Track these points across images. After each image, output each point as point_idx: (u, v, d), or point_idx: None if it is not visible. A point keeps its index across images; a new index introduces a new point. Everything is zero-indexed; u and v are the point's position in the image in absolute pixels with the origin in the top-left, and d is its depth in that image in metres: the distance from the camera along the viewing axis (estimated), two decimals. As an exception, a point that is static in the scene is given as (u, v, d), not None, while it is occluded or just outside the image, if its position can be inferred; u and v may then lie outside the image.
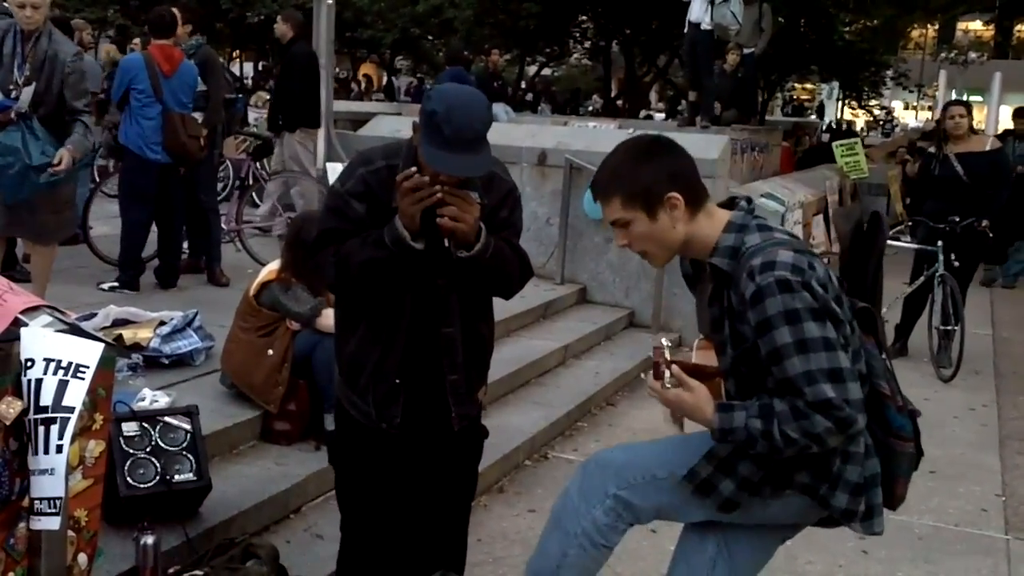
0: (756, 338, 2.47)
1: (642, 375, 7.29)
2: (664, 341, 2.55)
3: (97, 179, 8.82)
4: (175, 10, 7.26)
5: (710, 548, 2.87)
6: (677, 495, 2.73)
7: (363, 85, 28.98)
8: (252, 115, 12.96)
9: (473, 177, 2.76)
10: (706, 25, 11.82)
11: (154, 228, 7.08)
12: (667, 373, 2.55)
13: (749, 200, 2.69)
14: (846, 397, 2.39)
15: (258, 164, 8.50)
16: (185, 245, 7.59)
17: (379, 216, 2.77)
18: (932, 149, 8.99)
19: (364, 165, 2.87)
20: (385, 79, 31.82)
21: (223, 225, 7.88)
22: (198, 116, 7.06)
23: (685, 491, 2.71)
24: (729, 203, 2.69)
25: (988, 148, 7.85)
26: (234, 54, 32.07)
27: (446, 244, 2.77)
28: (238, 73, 30.44)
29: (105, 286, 6.70)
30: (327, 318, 4.52)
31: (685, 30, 12.31)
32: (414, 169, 2.64)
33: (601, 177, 2.63)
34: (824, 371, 2.39)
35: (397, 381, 2.94)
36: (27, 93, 5.35)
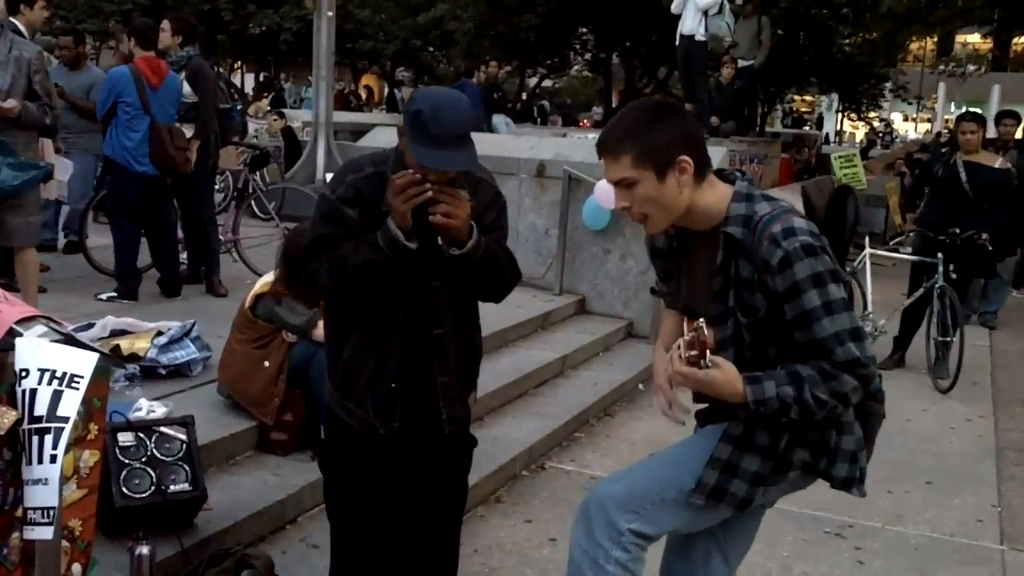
0: (780, 303, 2.49)
1: (640, 386, 7.30)
2: (703, 322, 2.48)
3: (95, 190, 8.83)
4: (166, 20, 7.31)
5: (702, 539, 2.90)
6: (690, 510, 2.73)
7: (364, 96, 29.05)
8: (252, 126, 13.01)
9: (460, 179, 2.79)
10: (700, 36, 11.89)
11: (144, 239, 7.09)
12: (708, 353, 2.48)
13: (743, 172, 2.70)
14: (867, 355, 2.50)
15: (256, 175, 8.50)
16: (184, 256, 7.60)
17: (370, 221, 2.79)
18: (944, 150, 9.02)
19: (354, 172, 2.89)
20: (386, 90, 31.89)
21: (220, 236, 7.89)
22: (189, 127, 7.07)
23: (698, 503, 2.71)
24: (719, 174, 2.68)
25: (997, 165, 7.84)
26: (235, 65, 32.17)
27: (439, 243, 2.79)
28: (239, 84, 30.55)
29: (103, 296, 6.70)
30: (323, 329, 4.52)
31: (677, 43, 12.38)
32: (409, 170, 2.67)
33: (612, 133, 2.58)
34: (848, 331, 2.47)
35: (394, 385, 2.95)
36: None
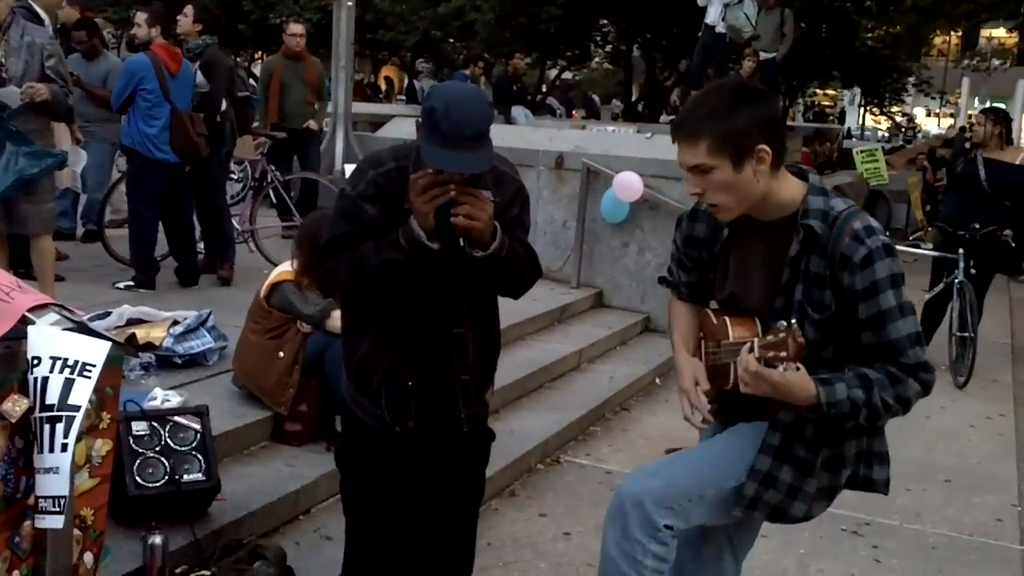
0: (856, 301, 2.45)
1: (656, 380, 7.27)
2: (795, 324, 2.37)
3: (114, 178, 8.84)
4: (189, 7, 7.32)
5: (714, 538, 2.89)
6: (724, 506, 2.72)
7: (383, 88, 29.05)
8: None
9: (484, 175, 2.74)
10: (720, 28, 11.83)
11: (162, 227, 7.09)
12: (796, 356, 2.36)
13: (802, 165, 2.67)
14: (930, 361, 2.50)
15: (272, 165, 8.49)
16: (201, 245, 7.61)
17: (391, 218, 2.75)
18: (968, 146, 8.97)
19: (374, 167, 2.84)
20: (407, 81, 31.87)
21: (237, 225, 7.91)
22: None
23: (731, 503, 2.69)
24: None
25: (1018, 162, 7.76)
26: (256, 55, 32.20)
27: (461, 244, 2.75)
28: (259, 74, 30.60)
29: (121, 285, 6.70)
30: (337, 320, 4.51)
31: (700, 33, 12.33)
32: (430, 170, 2.62)
33: (690, 117, 2.50)
34: (916, 335, 2.47)
35: (410, 383, 2.92)
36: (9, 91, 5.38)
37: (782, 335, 2.34)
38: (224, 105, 7.39)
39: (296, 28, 9.57)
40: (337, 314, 4.49)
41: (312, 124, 9.47)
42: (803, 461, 2.62)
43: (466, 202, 2.63)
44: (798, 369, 2.37)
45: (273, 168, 8.40)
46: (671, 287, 2.99)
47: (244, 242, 8.10)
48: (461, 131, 2.57)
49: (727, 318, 2.63)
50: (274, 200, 8.82)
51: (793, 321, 2.38)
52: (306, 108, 9.44)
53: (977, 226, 7.59)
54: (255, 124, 8.72)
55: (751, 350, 2.40)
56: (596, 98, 21.57)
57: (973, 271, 7.67)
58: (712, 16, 11.89)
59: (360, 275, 2.78)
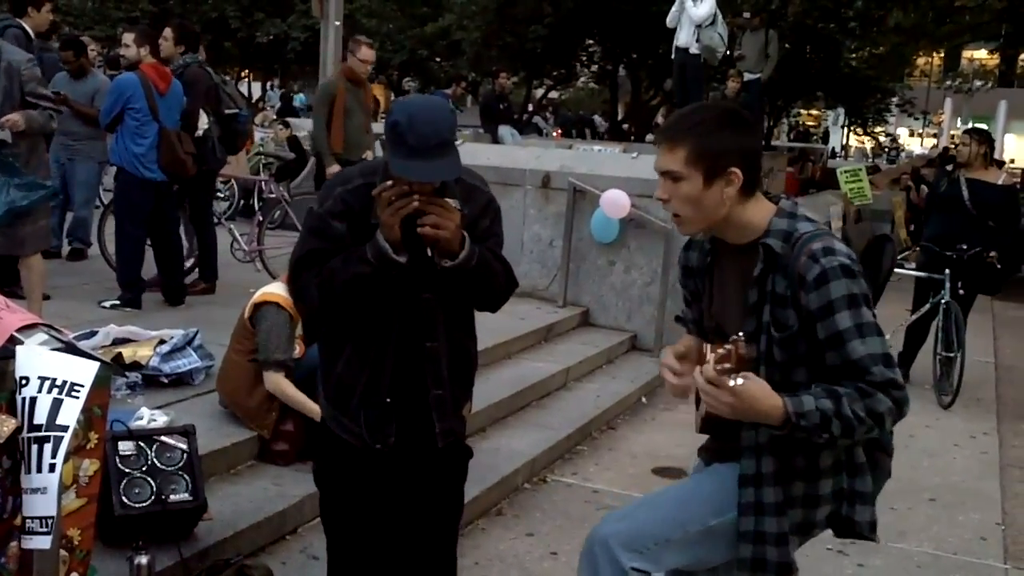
0: (814, 321, 2.45)
1: (643, 399, 7.29)
2: (741, 335, 2.40)
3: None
4: (169, 29, 7.36)
5: None
6: (693, 550, 2.71)
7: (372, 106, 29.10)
8: (258, 135, 13.01)
9: (451, 187, 2.76)
10: (694, 49, 11.92)
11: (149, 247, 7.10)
12: (740, 368, 2.37)
13: (788, 195, 2.68)
14: (900, 379, 2.47)
15: (282, 186, 8.50)
16: (188, 263, 7.61)
17: (360, 234, 2.76)
18: (949, 167, 9.04)
19: (342, 184, 2.86)
20: (393, 100, 31.92)
21: (244, 245, 7.92)
22: None
23: (704, 543, 2.68)
24: (766, 196, 2.66)
25: (1000, 182, 7.81)
26: (242, 73, 32.25)
27: (429, 255, 2.77)
28: (246, 92, 30.64)
29: (107, 304, 6.69)
30: (271, 382, 4.57)
31: (672, 56, 12.43)
32: (391, 182, 2.64)
33: (678, 124, 2.58)
34: (880, 355, 2.44)
35: (388, 400, 2.92)
36: None
37: (728, 347, 2.37)
38: (207, 123, 7.40)
39: (368, 54, 8.56)
40: (275, 377, 4.56)
41: (368, 155, 8.72)
42: (779, 504, 2.60)
43: (432, 211, 2.65)
44: (739, 381, 2.34)
45: (282, 188, 8.41)
46: (683, 324, 3.00)
47: (251, 261, 8.13)
48: (427, 140, 2.59)
49: (708, 346, 2.62)
50: (271, 221, 8.80)
51: (740, 334, 2.39)
52: (364, 137, 8.74)
53: (964, 247, 7.63)
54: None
55: (708, 363, 2.40)
56: (597, 118, 21.73)
57: (962, 292, 7.70)
58: (684, 38, 11.98)
59: (329, 291, 2.79)
